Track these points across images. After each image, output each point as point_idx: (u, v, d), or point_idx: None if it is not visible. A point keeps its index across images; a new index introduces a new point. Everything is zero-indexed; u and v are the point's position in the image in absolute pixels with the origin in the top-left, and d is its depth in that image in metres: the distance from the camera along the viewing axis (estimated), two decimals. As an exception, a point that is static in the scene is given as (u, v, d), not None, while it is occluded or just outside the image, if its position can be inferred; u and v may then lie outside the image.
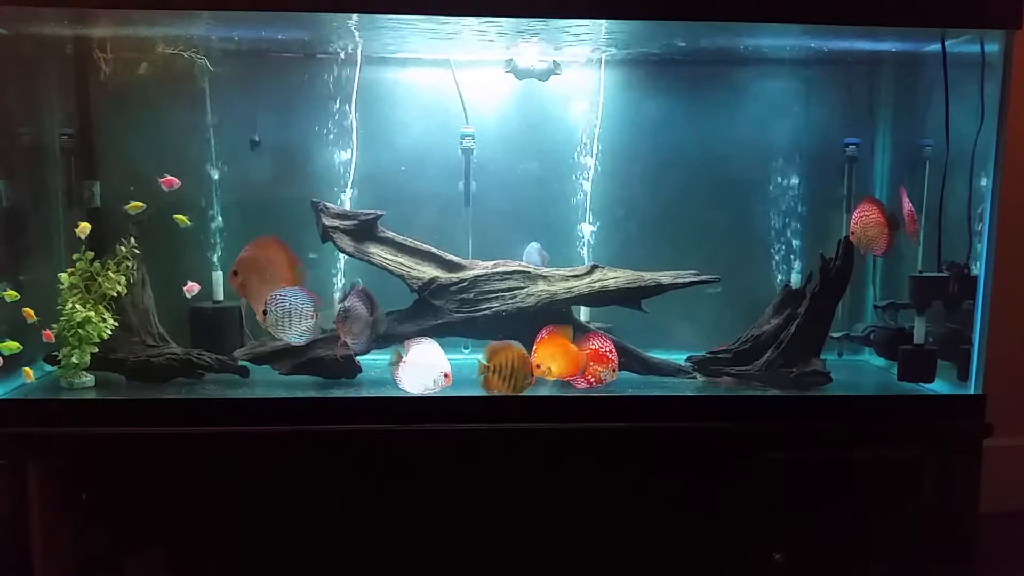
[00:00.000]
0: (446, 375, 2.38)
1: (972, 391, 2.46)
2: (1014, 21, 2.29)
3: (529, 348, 2.44)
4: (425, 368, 2.39)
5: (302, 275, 2.53)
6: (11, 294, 2.39)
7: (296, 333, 2.41)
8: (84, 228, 2.46)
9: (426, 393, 2.38)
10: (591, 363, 2.47)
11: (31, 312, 2.39)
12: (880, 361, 2.88)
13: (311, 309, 2.41)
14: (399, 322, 2.58)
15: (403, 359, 2.40)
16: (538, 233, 2.83)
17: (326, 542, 2.37)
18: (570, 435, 2.36)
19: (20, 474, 2.26)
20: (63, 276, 2.43)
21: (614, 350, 2.49)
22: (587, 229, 2.90)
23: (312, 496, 2.36)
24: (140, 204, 2.52)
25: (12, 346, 2.38)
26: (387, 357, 2.63)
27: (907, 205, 2.54)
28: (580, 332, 2.55)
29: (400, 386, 2.40)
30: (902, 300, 2.75)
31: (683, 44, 2.70)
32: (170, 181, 2.52)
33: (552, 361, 2.43)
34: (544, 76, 2.80)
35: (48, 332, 2.41)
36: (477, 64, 2.84)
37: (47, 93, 2.71)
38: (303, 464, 2.34)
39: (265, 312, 2.38)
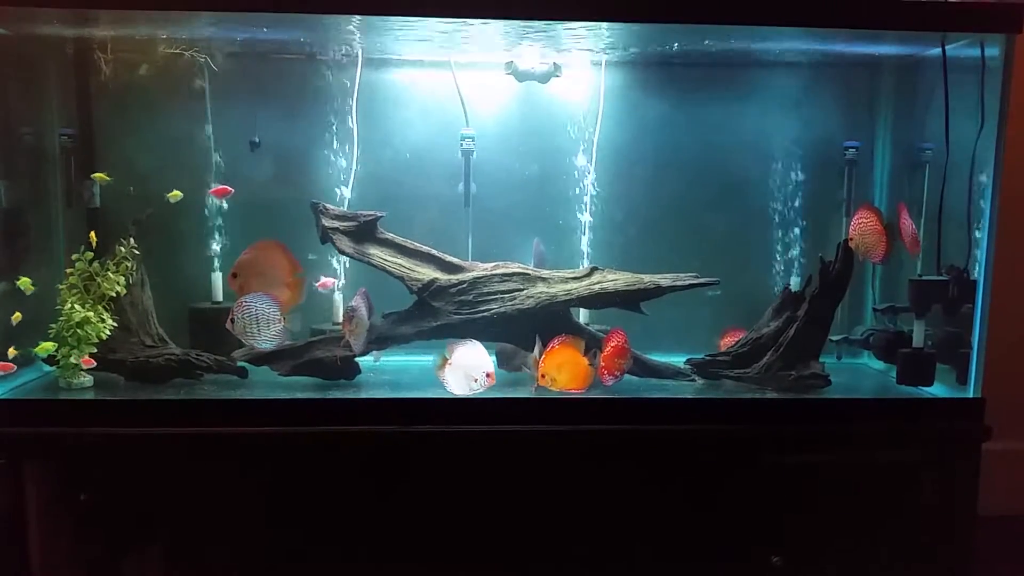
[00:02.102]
0: (488, 375, 2.40)
1: (971, 394, 2.46)
2: (1014, 25, 2.29)
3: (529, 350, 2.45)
4: (468, 369, 2.40)
5: (302, 281, 2.52)
6: (24, 281, 2.39)
7: (264, 339, 2.42)
8: (93, 238, 2.48)
9: (470, 394, 2.39)
10: (616, 358, 2.48)
11: (19, 315, 2.40)
12: (879, 364, 2.87)
13: (278, 314, 2.41)
14: (398, 324, 2.58)
15: (448, 361, 2.40)
16: (537, 235, 2.83)
17: (325, 544, 2.37)
18: (569, 438, 2.36)
19: (17, 474, 2.26)
20: (23, 280, 2.40)
21: (627, 339, 2.50)
22: (586, 231, 2.90)
23: (310, 497, 2.36)
24: (178, 193, 2.53)
25: (48, 347, 2.38)
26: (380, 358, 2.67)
27: (909, 226, 2.53)
28: (585, 334, 2.56)
29: (446, 388, 2.41)
30: (901, 303, 2.75)
31: (683, 46, 2.70)
32: (223, 190, 2.54)
33: (558, 372, 2.43)
34: (544, 78, 2.80)
35: (88, 359, 2.41)
36: (477, 66, 2.84)
37: (47, 93, 2.71)
38: (302, 465, 2.34)
39: (232, 320, 2.39)
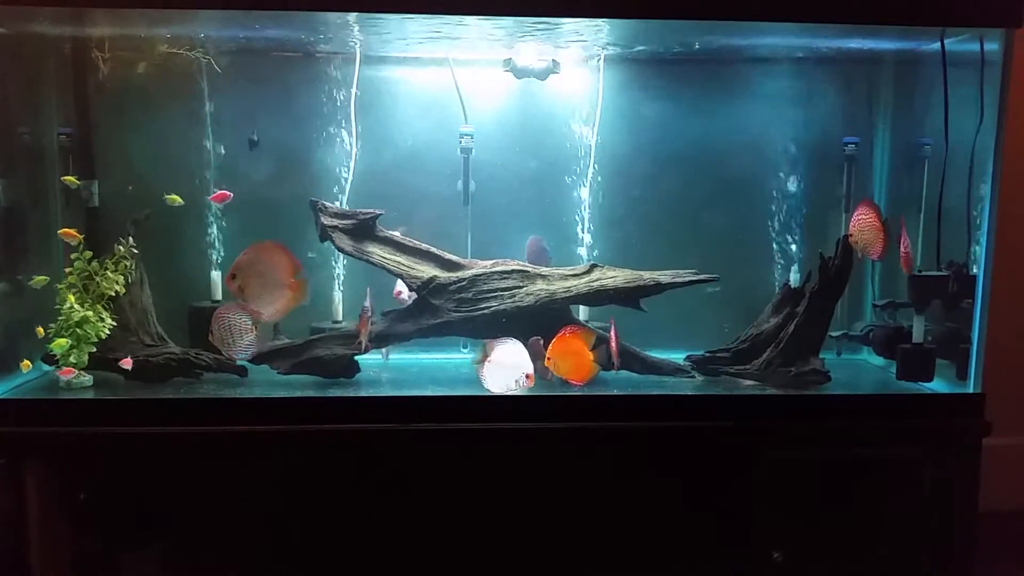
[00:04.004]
0: (528, 376, 2.39)
1: (971, 390, 2.46)
2: (1014, 20, 2.28)
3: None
4: (508, 369, 2.39)
5: (304, 281, 2.52)
6: (40, 279, 2.41)
7: (239, 348, 2.45)
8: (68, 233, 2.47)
9: (508, 393, 2.39)
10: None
11: (41, 330, 2.41)
12: (879, 360, 2.87)
13: (249, 324, 2.43)
14: (398, 321, 2.58)
15: (488, 358, 2.41)
16: (537, 232, 2.83)
17: (324, 542, 2.37)
18: (569, 434, 2.36)
19: (18, 474, 2.26)
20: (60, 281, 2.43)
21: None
22: (585, 228, 2.90)
23: (310, 495, 2.35)
24: (176, 197, 2.54)
25: (62, 343, 2.38)
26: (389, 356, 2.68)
27: (904, 244, 2.51)
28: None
29: (484, 385, 2.41)
30: (901, 299, 2.74)
31: (682, 43, 2.70)
32: (222, 196, 2.54)
33: (561, 359, 2.44)
34: (543, 75, 2.80)
35: (127, 360, 2.44)
36: (476, 63, 2.83)
37: (46, 92, 2.70)
38: (301, 463, 2.34)
39: (211, 332, 2.42)
